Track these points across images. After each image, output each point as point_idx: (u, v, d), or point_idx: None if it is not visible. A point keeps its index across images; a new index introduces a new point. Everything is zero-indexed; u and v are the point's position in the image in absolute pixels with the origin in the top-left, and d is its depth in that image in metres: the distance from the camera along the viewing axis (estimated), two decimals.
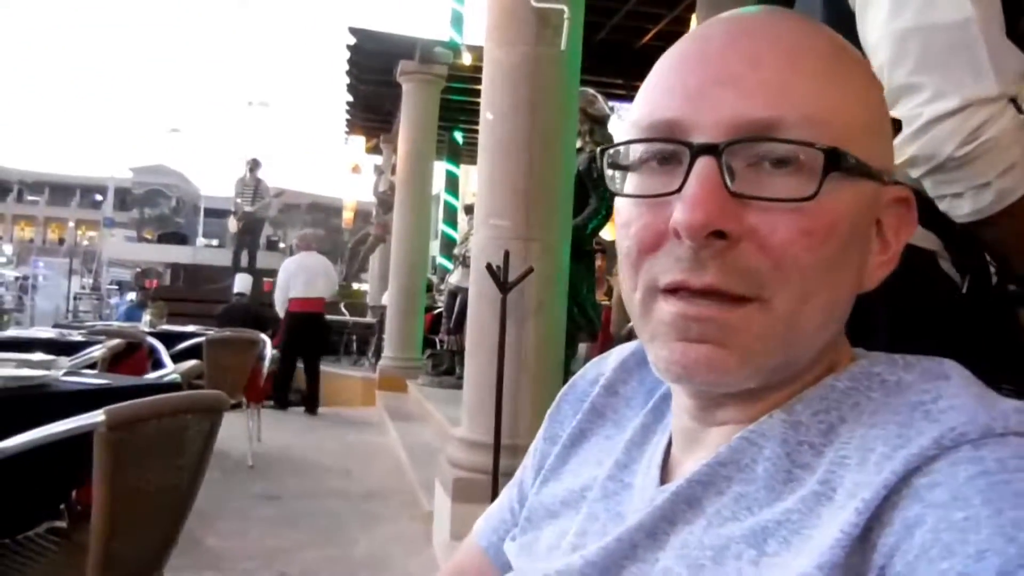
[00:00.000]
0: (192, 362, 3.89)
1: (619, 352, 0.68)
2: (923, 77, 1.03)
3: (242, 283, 9.11)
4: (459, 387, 4.17)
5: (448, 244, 11.14)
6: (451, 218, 11.80)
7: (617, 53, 7.77)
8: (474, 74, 4.57)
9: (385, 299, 9.71)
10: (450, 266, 9.87)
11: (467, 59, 8.30)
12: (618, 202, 0.53)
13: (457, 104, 9.81)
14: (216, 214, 40.17)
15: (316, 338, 8.20)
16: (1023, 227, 1.08)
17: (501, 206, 3.57)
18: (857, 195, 0.50)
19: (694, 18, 3.23)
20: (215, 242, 42.22)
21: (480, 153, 3.75)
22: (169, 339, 5.12)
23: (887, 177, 0.52)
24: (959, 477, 0.41)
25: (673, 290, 0.49)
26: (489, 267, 3.29)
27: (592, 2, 6.56)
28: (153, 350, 4.45)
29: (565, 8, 3.48)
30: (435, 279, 11.17)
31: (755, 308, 0.48)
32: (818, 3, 1.18)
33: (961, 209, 1.04)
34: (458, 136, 11.70)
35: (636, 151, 0.52)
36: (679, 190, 0.48)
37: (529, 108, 3.54)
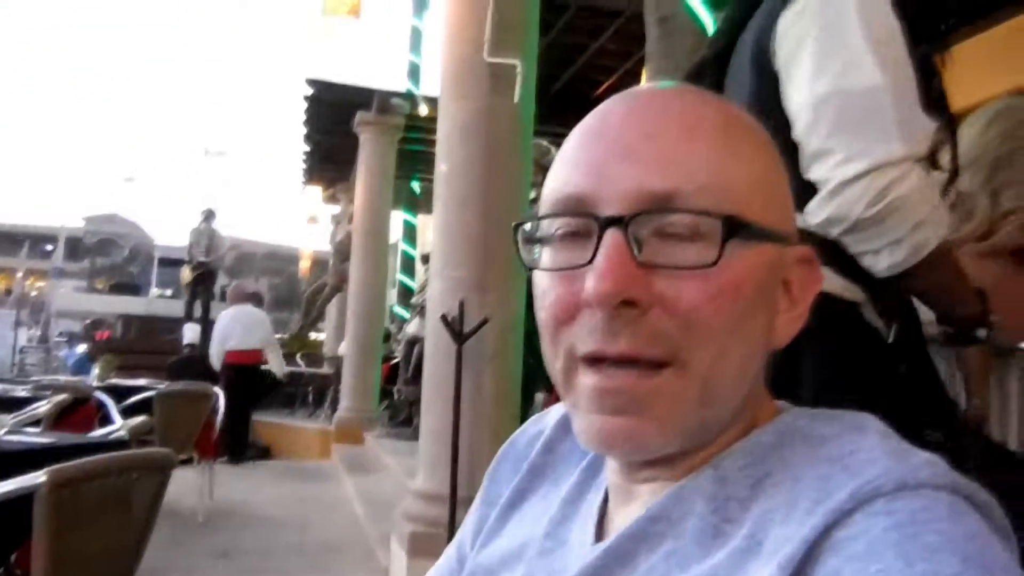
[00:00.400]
0: (140, 418, 3.81)
1: (558, 409, 0.69)
2: (835, 142, 1.08)
3: (191, 334, 8.97)
4: (417, 438, 4.13)
5: (405, 293, 11.09)
6: (408, 267, 11.77)
7: (572, 104, 7.91)
8: (431, 124, 4.62)
9: (342, 349, 9.61)
10: (407, 315, 9.83)
11: (424, 110, 8.39)
12: (535, 275, 0.55)
13: (414, 154, 9.87)
14: (171, 264, 39.56)
15: (254, 389, 8.15)
16: (942, 277, 1.15)
17: (457, 256, 3.59)
18: (759, 258, 0.51)
19: (644, 71, 3.31)
20: (169, 292, 41.54)
21: (435, 204, 3.78)
22: (119, 393, 5.01)
23: (789, 238, 0.55)
24: (874, 530, 0.42)
25: (591, 360, 0.51)
26: (444, 318, 3.29)
27: (546, 55, 6.71)
28: (101, 405, 4.35)
29: (518, 63, 3.55)
30: (393, 329, 11.09)
31: (671, 373, 0.50)
32: (746, 65, 1.23)
33: (880, 264, 1.09)
34: (415, 186, 11.74)
35: (548, 226, 0.54)
36: (590, 262, 0.50)
37: (484, 160, 3.58)
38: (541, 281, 0.54)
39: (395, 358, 9.03)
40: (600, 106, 0.56)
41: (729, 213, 0.49)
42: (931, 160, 1.21)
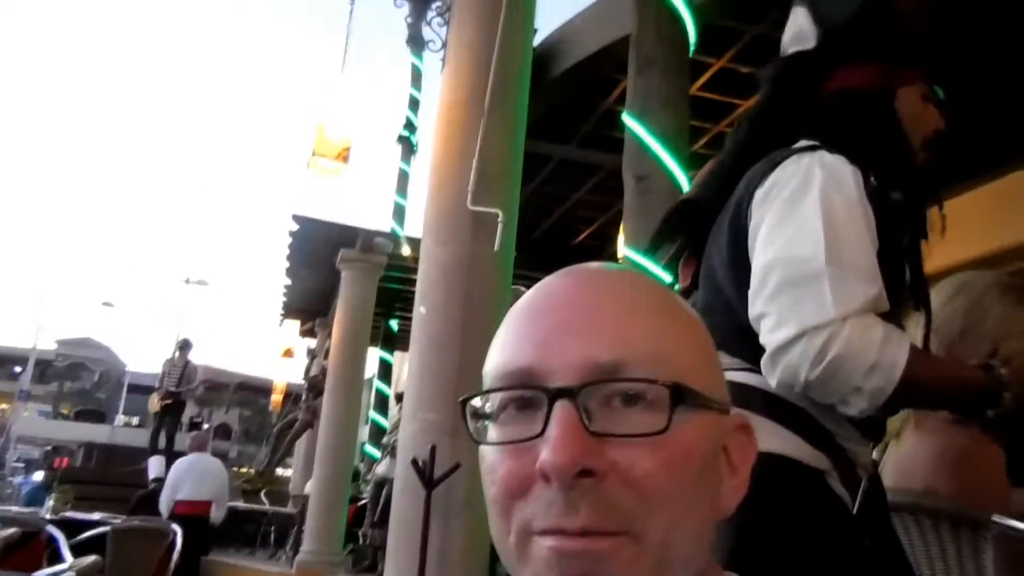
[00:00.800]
0: (92, 558, 3.63)
1: None
2: (772, 306, 1.14)
3: (157, 467, 8.70)
4: None
5: (377, 432, 10.90)
6: (382, 405, 11.63)
7: (552, 251, 8.09)
8: (413, 265, 4.72)
9: (308, 488, 9.34)
10: (377, 455, 9.62)
11: (406, 250, 8.53)
12: (482, 450, 0.55)
13: (395, 293, 9.96)
14: (141, 391, 38.87)
15: (202, 540, 7.93)
16: (925, 388, 1.16)
17: (431, 399, 3.56)
18: (704, 425, 0.53)
19: (622, 226, 3.41)
20: (135, 420, 40.61)
21: (412, 346, 3.78)
22: (72, 527, 4.81)
23: (726, 407, 0.56)
24: None
25: (548, 533, 0.50)
26: (414, 462, 3.23)
27: (527, 204, 6.90)
28: (52, 540, 4.16)
29: (499, 212, 3.65)
30: (362, 468, 10.83)
31: (628, 541, 0.49)
32: (725, 227, 1.28)
33: (851, 411, 1.12)
34: (394, 324, 11.78)
35: (495, 400, 0.54)
36: (541, 434, 0.50)
37: (462, 304, 3.62)
38: (489, 455, 0.54)
39: (363, 499, 8.78)
40: (541, 284, 0.58)
41: (675, 381, 0.50)
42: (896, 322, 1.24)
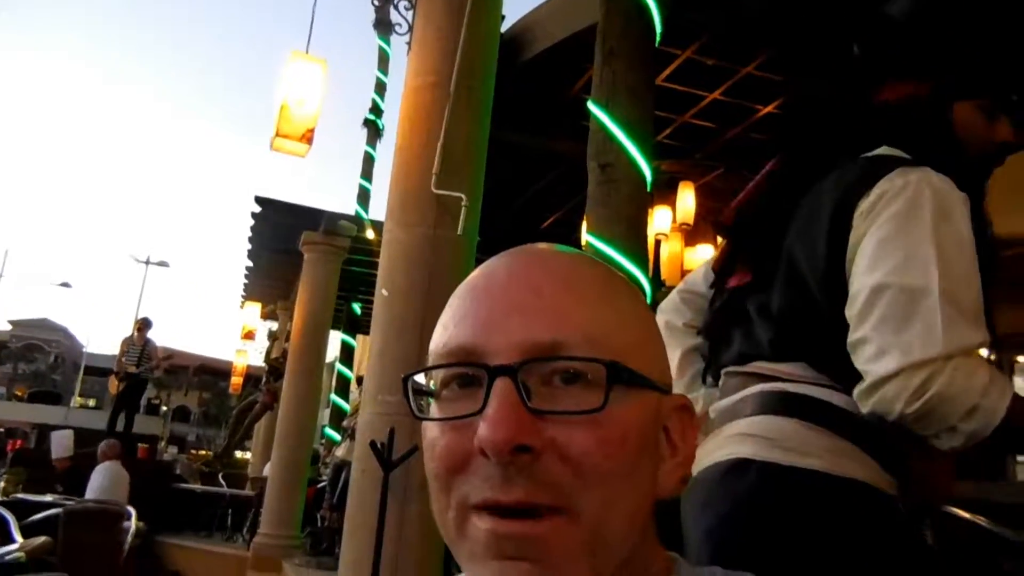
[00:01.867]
0: (40, 539, 3.58)
1: None
2: (876, 333, 1.10)
3: (59, 445, 8.35)
4: (337, 568, 3.96)
5: (338, 415, 10.86)
6: (343, 388, 11.58)
7: (516, 238, 8.06)
8: (377, 248, 4.69)
9: (267, 470, 9.28)
10: (338, 438, 9.59)
11: (370, 234, 8.48)
12: (424, 426, 0.56)
13: (358, 276, 9.91)
14: (98, 372, 38.27)
15: None
16: (1017, 441, 1.16)
17: (391, 382, 3.56)
18: (642, 404, 0.54)
19: (586, 214, 3.42)
20: (92, 402, 39.94)
21: (373, 328, 3.77)
22: (23, 509, 4.73)
23: (667, 387, 0.57)
24: None
25: (485, 508, 0.51)
26: (373, 444, 3.23)
27: (492, 190, 6.90)
28: (2, 521, 4.09)
29: (463, 196, 3.65)
30: (322, 451, 10.78)
31: (563, 520, 0.50)
32: (824, 223, 1.22)
33: (943, 445, 1.10)
34: (357, 307, 11.73)
35: (438, 377, 0.56)
36: (480, 411, 0.51)
37: (425, 288, 3.62)
38: (431, 431, 0.55)
39: (322, 481, 8.75)
40: (485, 264, 0.59)
41: (612, 360, 0.51)
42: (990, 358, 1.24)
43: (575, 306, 0.53)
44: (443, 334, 0.56)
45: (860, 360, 1.11)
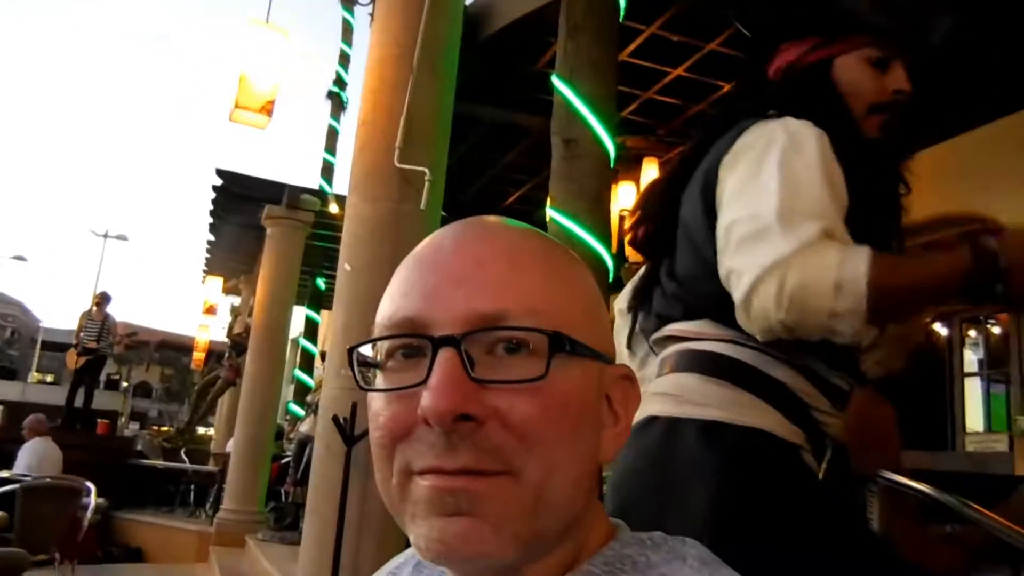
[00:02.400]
0: None
1: (411, 552, 0.69)
2: (734, 262, 1.14)
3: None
4: (300, 543, 3.97)
5: (302, 390, 10.81)
6: (307, 364, 11.52)
7: (480, 213, 8.03)
8: (341, 222, 4.65)
9: (230, 446, 9.23)
10: (301, 413, 9.55)
11: (334, 208, 8.41)
12: (369, 397, 0.57)
13: (322, 251, 9.83)
14: (56, 347, 37.58)
15: None
16: (905, 301, 1.14)
17: None
18: (583, 373, 0.55)
19: (550, 188, 3.43)
20: (50, 378, 39.26)
21: (336, 303, 3.76)
22: None
23: (609, 357, 0.59)
24: None
25: (428, 472, 0.52)
26: (335, 419, 3.23)
27: (456, 165, 6.87)
28: None
29: (426, 170, 3.63)
30: (286, 426, 10.74)
31: (506, 480, 0.52)
32: (696, 196, 1.29)
33: (844, 339, 1.10)
34: (320, 282, 11.64)
35: (383, 348, 0.56)
36: (425, 381, 0.52)
37: (388, 263, 3.59)
38: (376, 402, 0.56)
39: (286, 457, 8.72)
40: (430, 237, 0.59)
41: (555, 329, 0.53)
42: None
43: (518, 278, 0.54)
44: (389, 305, 0.57)
45: (732, 291, 1.15)
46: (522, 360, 0.52)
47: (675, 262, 1.33)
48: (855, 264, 1.07)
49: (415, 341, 0.54)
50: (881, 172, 1.31)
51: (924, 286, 1.13)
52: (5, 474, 5.72)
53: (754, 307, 1.11)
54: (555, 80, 3.44)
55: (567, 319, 0.54)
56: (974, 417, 6.80)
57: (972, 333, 7.04)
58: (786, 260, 1.08)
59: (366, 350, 0.57)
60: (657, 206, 1.43)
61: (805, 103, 1.28)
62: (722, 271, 1.17)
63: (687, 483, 1.13)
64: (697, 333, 1.26)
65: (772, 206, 1.12)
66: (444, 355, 0.52)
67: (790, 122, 1.21)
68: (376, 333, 0.57)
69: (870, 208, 1.22)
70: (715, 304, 1.20)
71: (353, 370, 0.57)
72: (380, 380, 0.56)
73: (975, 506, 1.44)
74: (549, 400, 0.52)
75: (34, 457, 7.16)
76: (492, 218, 0.60)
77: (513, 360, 0.52)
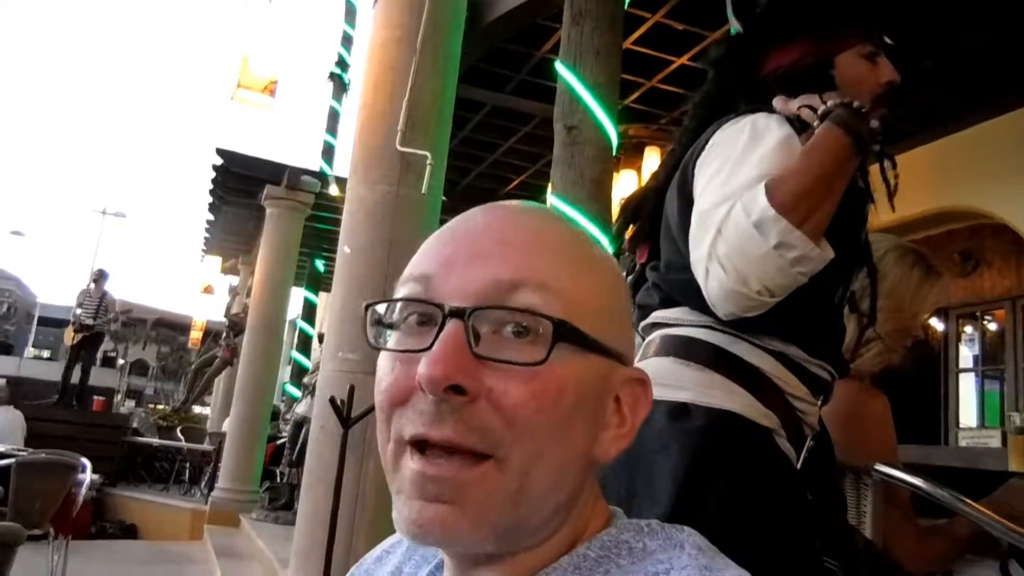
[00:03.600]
0: None
1: None
2: (692, 256, 1.19)
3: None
4: (295, 523, 3.99)
5: (299, 372, 10.82)
6: (304, 345, 11.54)
7: (481, 198, 8.01)
8: (341, 204, 4.63)
9: (226, 426, 9.25)
10: (298, 394, 9.57)
11: (335, 190, 8.39)
12: (379, 358, 0.57)
13: (321, 232, 9.82)
14: (52, 323, 37.59)
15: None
16: (815, 195, 1.12)
17: (352, 340, 3.55)
18: (587, 367, 0.55)
19: (551, 173, 3.43)
20: (46, 354, 39.26)
21: (335, 285, 3.76)
22: None
23: (622, 357, 0.58)
24: None
25: (417, 444, 0.53)
26: (332, 400, 3.24)
27: (458, 150, 6.85)
28: None
29: (428, 154, 3.63)
30: (282, 407, 10.76)
31: (490, 466, 0.52)
32: (675, 191, 1.32)
33: (804, 270, 1.11)
34: (319, 264, 11.64)
35: (398, 310, 0.57)
36: (429, 348, 0.52)
37: (387, 246, 3.61)
38: (383, 364, 0.56)
39: (282, 438, 8.75)
40: (463, 214, 0.60)
41: (561, 318, 0.53)
42: (851, 305, 1.30)
43: (537, 260, 0.54)
44: (409, 266, 0.58)
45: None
46: (526, 345, 0.52)
47: (659, 255, 1.37)
48: (755, 202, 1.09)
49: (428, 309, 0.54)
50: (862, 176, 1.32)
51: (819, 168, 1.13)
52: (1, 448, 5.73)
53: (713, 291, 1.14)
54: (558, 66, 3.43)
55: (580, 310, 0.54)
56: (967, 412, 6.82)
57: (968, 329, 7.06)
58: (714, 240, 1.12)
59: (381, 308, 0.57)
60: (643, 204, 1.46)
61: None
62: (693, 256, 1.20)
63: (653, 460, 1.15)
64: (676, 320, 1.29)
65: (729, 195, 1.14)
66: (451, 326, 0.52)
67: (759, 117, 1.23)
68: (396, 294, 0.57)
69: (846, 215, 1.23)
70: (692, 293, 1.22)
71: (367, 329, 0.57)
72: (391, 342, 0.56)
73: (969, 501, 1.45)
74: (543, 387, 0.52)
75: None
76: (525, 203, 0.61)
77: (518, 343, 0.52)
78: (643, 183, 1.51)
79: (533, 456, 0.52)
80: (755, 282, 1.09)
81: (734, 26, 1.52)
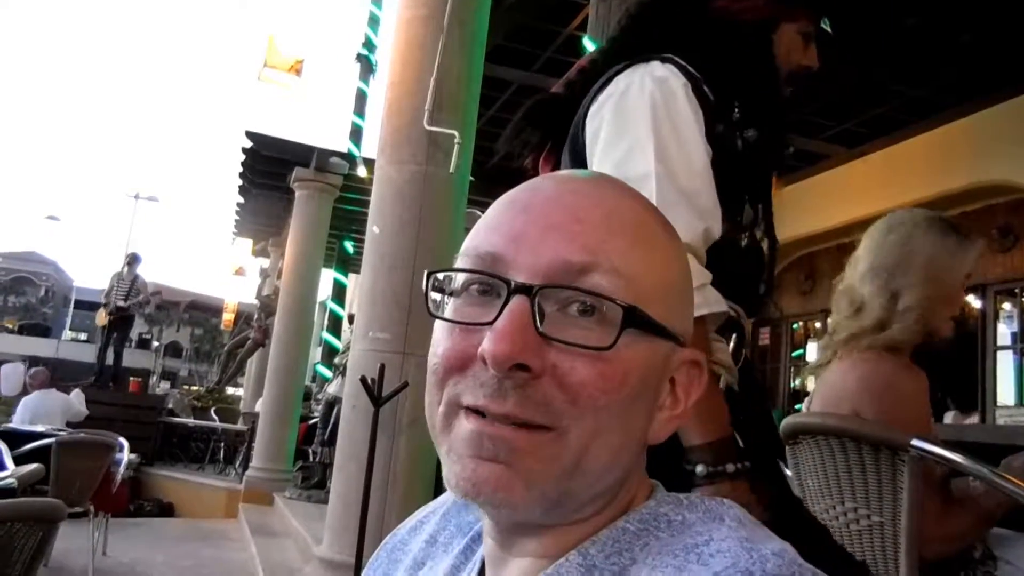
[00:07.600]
0: (32, 466, 3.62)
1: (443, 500, 0.70)
2: None
3: (8, 381, 8.07)
4: (328, 502, 4.03)
5: (329, 352, 10.92)
6: (335, 326, 11.62)
7: (508, 178, 7.98)
8: (369, 185, 4.63)
9: (258, 406, 9.37)
10: (329, 375, 9.66)
11: (363, 171, 8.41)
12: (436, 324, 0.56)
13: (350, 214, 9.85)
14: (88, 306, 38.25)
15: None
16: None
17: (382, 320, 3.57)
18: (651, 352, 0.54)
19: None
20: (83, 336, 40.01)
21: (364, 265, 3.77)
22: (16, 439, 4.78)
23: (683, 339, 0.57)
24: None
25: (475, 410, 0.52)
26: (363, 380, 3.26)
27: (485, 129, 6.82)
28: None
29: (456, 133, 3.62)
30: (314, 388, 10.87)
31: (550, 437, 0.51)
32: (566, 146, 1.26)
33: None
34: (348, 246, 11.69)
35: (460, 279, 0.56)
36: (492, 322, 0.51)
37: (416, 225, 3.61)
38: (440, 330, 0.55)
39: (314, 418, 8.84)
40: (530, 181, 0.58)
41: (632, 304, 0.51)
42: (750, 236, 1.26)
43: (610, 240, 0.53)
44: (475, 237, 0.56)
45: None
46: (593, 324, 0.51)
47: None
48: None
49: (492, 281, 0.53)
50: (769, 146, 1.30)
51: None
52: (41, 428, 5.85)
53: None
54: (586, 42, 3.39)
55: (648, 292, 0.53)
56: (1006, 390, 6.72)
57: (1006, 306, 6.93)
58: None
59: (442, 275, 0.56)
60: (541, 128, 1.36)
61: (744, 58, 1.28)
62: None
63: None
64: None
65: (648, 178, 1.09)
66: (516, 302, 0.51)
67: (656, 68, 1.18)
68: (458, 262, 0.56)
69: (742, 179, 1.22)
70: None
71: (426, 294, 0.56)
72: (450, 310, 0.55)
73: (1008, 477, 1.42)
74: (610, 370, 0.51)
75: (28, 411, 7.07)
76: (598, 173, 0.59)
77: (584, 322, 0.51)
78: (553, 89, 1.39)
79: (593, 434, 0.51)
80: None
81: None
